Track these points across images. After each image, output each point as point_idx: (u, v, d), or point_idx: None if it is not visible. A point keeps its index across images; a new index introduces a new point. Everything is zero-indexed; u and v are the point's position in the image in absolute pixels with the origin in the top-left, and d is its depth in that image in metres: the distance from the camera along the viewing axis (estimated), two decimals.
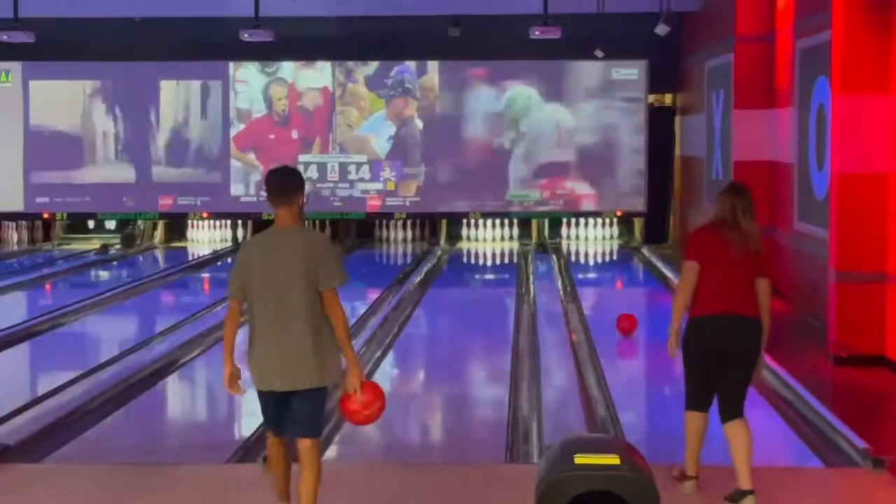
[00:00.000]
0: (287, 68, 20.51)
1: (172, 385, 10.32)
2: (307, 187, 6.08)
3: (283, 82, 20.54)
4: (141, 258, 19.95)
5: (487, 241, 20.93)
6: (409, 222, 21.09)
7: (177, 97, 20.75)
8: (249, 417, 8.27)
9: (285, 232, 5.75)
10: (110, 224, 21.47)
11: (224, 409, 9.79)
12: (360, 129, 20.53)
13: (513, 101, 20.41)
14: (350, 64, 20.37)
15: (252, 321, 5.76)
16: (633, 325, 12.03)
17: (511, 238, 20.96)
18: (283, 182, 5.82)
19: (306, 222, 20.20)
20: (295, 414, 5.72)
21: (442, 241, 20.70)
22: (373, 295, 14.81)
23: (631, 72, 20.33)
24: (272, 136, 20.60)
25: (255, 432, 7.92)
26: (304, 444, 5.75)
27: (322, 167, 20.47)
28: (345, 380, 5.78)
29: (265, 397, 5.81)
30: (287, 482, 5.95)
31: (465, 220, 20.95)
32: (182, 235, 21.41)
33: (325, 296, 5.66)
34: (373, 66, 20.43)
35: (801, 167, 12.75)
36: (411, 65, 20.42)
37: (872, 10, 10.40)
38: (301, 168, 20.40)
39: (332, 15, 19.05)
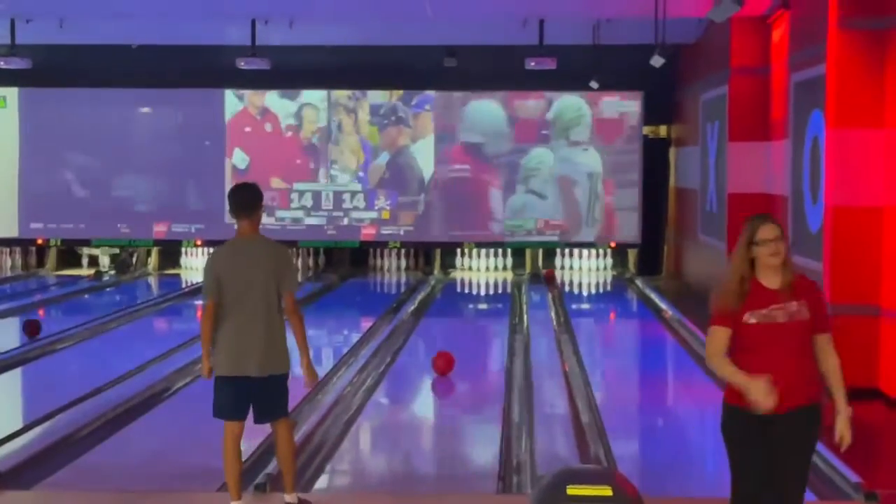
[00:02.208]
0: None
1: (165, 412, 10.28)
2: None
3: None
4: (135, 285, 19.92)
5: (482, 271, 20.93)
6: (403, 251, 21.10)
7: (172, 124, 20.78)
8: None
9: (250, 240, 6.40)
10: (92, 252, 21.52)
11: (216, 436, 9.73)
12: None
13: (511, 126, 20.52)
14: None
15: (221, 319, 6.36)
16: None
17: (505, 268, 20.96)
18: (246, 196, 6.42)
19: (300, 250, 20.01)
20: (268, 399, 6.44)
21: (436, 271, 20.70)
22: (366, 323, 14.79)
23: (626, 103, 20.39)
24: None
25: (247, 460, 7.88)
26: (280, 423, 6.54)
27: (317, 195, 20.48)
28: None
29: (233, 384, 6.39)
30: (240, 476, 6.57)
31: (459, 250, 20.96)
32: (176, 263, 21.40)
33: (287, 298, 6.36)
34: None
35: (796, 200, 12.76)
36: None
37: (866, 44, 10.45)
38: (296, 196, 20.43)
39: (328, 44, 19.10)
